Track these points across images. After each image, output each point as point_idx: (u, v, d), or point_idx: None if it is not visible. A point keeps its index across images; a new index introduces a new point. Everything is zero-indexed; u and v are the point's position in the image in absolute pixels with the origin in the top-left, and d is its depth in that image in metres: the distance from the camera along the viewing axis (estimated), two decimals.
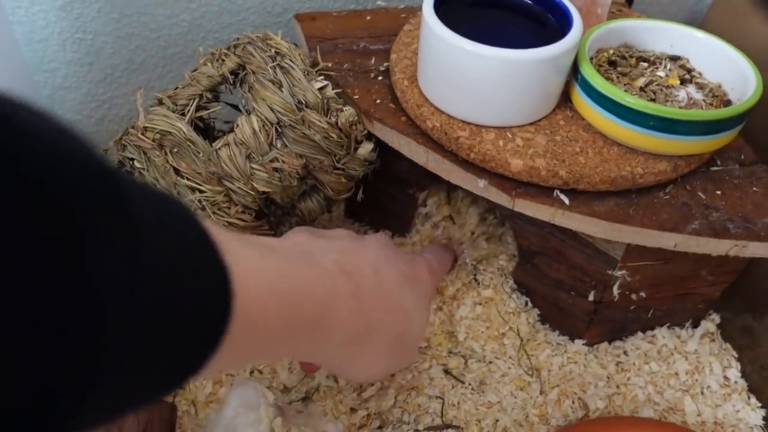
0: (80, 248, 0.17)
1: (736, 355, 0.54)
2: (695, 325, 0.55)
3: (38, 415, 0.16)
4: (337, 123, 0.47)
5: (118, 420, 0.21)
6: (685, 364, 0.53)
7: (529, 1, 0.47)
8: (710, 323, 0.55)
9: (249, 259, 0.28)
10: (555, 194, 0.43)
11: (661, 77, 0.46)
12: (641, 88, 0.45)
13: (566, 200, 0.43)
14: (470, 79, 0.42)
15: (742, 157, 0.48)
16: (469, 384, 0.51)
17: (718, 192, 0.45)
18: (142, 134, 0.46)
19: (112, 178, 0.19)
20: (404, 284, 0.40)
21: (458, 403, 0.50)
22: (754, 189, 0.45)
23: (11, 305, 0.15)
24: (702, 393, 0.52)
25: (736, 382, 0.52)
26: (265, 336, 0.28)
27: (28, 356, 0.15)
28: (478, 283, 0.56)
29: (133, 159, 0.47)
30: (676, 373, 0.52)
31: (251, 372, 0.51)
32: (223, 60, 0.49)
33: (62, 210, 0.16)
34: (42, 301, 0.16)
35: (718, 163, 0.47)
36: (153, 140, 0.46)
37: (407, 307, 0.40)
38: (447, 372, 0.51)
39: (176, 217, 0.23)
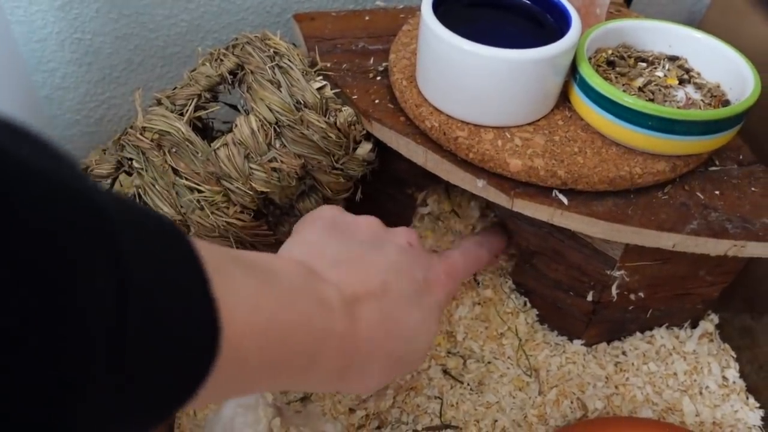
0: (69, 284, 0.17)
1: (735, 356, 0.54)
2: (694, 326, 0.55)
3: None
4: (335, 123, 0.47)
5: None
6: (684, 365, 0.53)
7: (528, 1, 0.47)
8: (709, 323, 0.55)
9: (241, 292, 0.27)
10: (553, 194, 0.43)
11: (659, 77, 0.46)
12: (640, 88, 0.45)
13: (565, 200, 0.43)
14: (469, 79, 0.42)
15: (741, 157, 0.48)
16: (468, 384, 0.51)
17: (717, 192, 0.45)
18: (141, 134, 0.46)
19: (95, 205, 0.18)
20: (413, 300, 0.38)
21: (457, 403, 0.50)
22: (753, 189, 0.45)
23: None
24: (700, 393, 0.52)
25: (734, 383, 0.52)
26: (249, 374, 0.27)
27: (10, 392, 0.15)
28: (478, 283, 0.56)
29: (131, 159, 0.47)
30: (675, 374, 0.52)
31: None
32: (221, 60, 0.49)
33: (50, 244, 0.16)
34: (29, 337, 0.15)
35: (717, 163, 0.47)
36: (151, 140, 0.46)
37: (412, 328, 0.38)
38: (446, 372, 0.51)
39: (167, 244, 0.22)
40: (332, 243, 0.37)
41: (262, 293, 0.28)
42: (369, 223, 0.40)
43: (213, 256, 0.25)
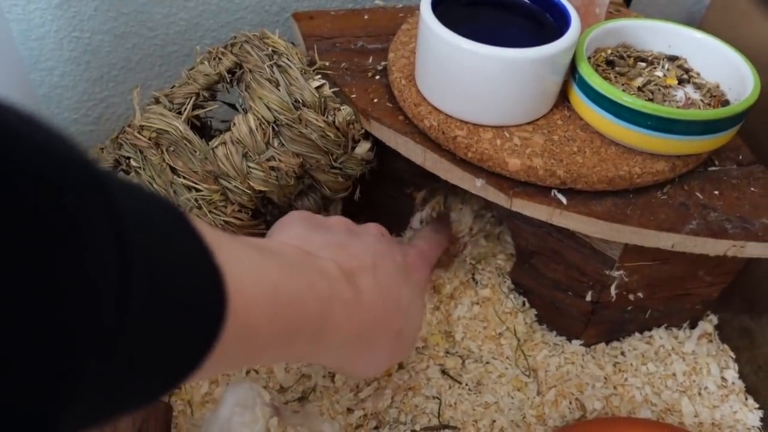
0: (74, 250, 0.17)
1: (734, 356, 0.54)
2: (693, 326, 0.55)
3: (26, 412, 0.16)
4: (334, 122, 0.47)
5: (110, 421, 0.21)
6: (683, 365, 0.53)
7: (527, 1, 0.47)
8: (708, 324, 0.55)
9: (245, 262, 0.27)
10: (552, 194, 0.43)
11: (658, 77, 0.46)
12: (639, 88, 0.45)
13: (564, 200, 0.43)
14: (468, 78, 0.42)
15: (740, 157, 0.48)
16: (466, 384, 0.51)
17: (716, 192, 0.45)
18: (139, 133, 0.46)
19: (100, 180, 0.18)
20: (400, 279, 0.40)
21: (455, 403, 0.50)
22: (752, 189, 0.45)
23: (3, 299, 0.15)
24: (699, 394, 0.52)
25: (733, 383, 0.52)
26: (260, 341, 0.27)
27: (21, 350, 0.15)
28: (476, 283, 0.56)
29: (129, 157, 0.47)
30: (674, 374, 0.52)
31: (247, 372, 0.51)
32: (220, 59, 0.49)
33: (54, 212, 0.16)
34: (37, 298, 0.15)
35: (716, 163, 0.47)
36: (149, 139, 0.46)
37: (404, 303, 0.39)
38: (444, 372, 0.51)
39: (168, 219, 0.23)
40: (315, 234, 0.38)
41: (265, 264, 0.29)
42: (340, 220, 0.41)
43: (211, 232, 0.25)
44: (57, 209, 0.16)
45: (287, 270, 0.30)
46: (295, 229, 0.38)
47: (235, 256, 0.26)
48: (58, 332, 0.16)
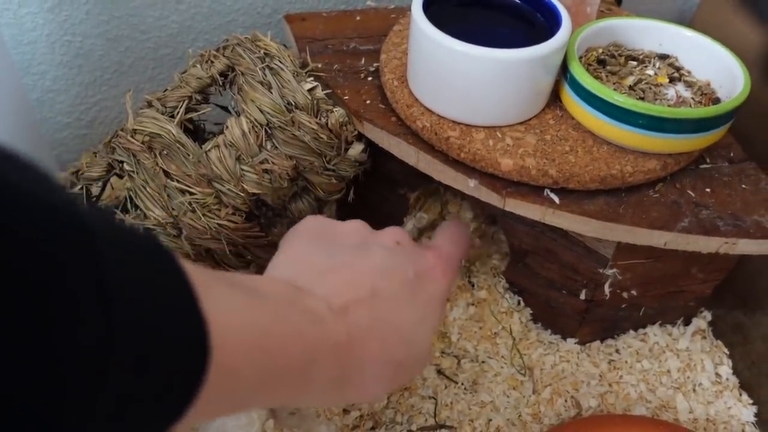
0: (50, 304, 0.16)
1: (728, 352, 0.54)
2: (687, 323, 0.56)
3: None
4: (327, 124, 0.47)
5: None
6: (677, 362, 0.53)
7: (518, 1, 0.47)
8: (702, 321, 0.56)
9: (231, 310, 0.26)
10: (545, 193, 0.43)
11: (650, 76, 0.47)
12: (630, 87, 0.45)
13: (556, 199, 0.43)
14: (460, 78, 0.42)
15: (731, 154, 0.48)
16: (462, 384, 0.51)
17: (708, 190, 0.45)
18: (132, 137, 0.46)
19: (85, 230, 0.18)
20: (406, 300, 0.37)
21: (451, 403, 0.50)
22: (743, 186, 0.45)
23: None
24: (694, 390, 0.52)
25: (727, 379, 0.53)
26: (242, 390, 0.27)
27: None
28: (473, 285, 0.56)
29: (122, 161, 0.47)
30: (668, 371, 0.52)
31: None
32: (212, 62, 0.49)
33: (35, 260, 0.16)
34: (15, 357, 0.15)
35: (708, 161, 0.47)
36: (142, 143, 0.46)
37: (408, 329, 0.37)
38: (440, 372, 0.51)
39: (153, 261, 0.22)
40: (318, 253, 0.36)
41: (252, 308, 0.28)
42: (355, 227, 0.40)
43: (200, 274, 0.24)
44: (37, 265, 0.16)
45: (275, 317, 0.29)
46: (298, 247, 0.37)
47: (222, 301, 0.25)
48: (39, 382, 0.16)
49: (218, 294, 0.25)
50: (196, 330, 0.23)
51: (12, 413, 0.15)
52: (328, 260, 0.36)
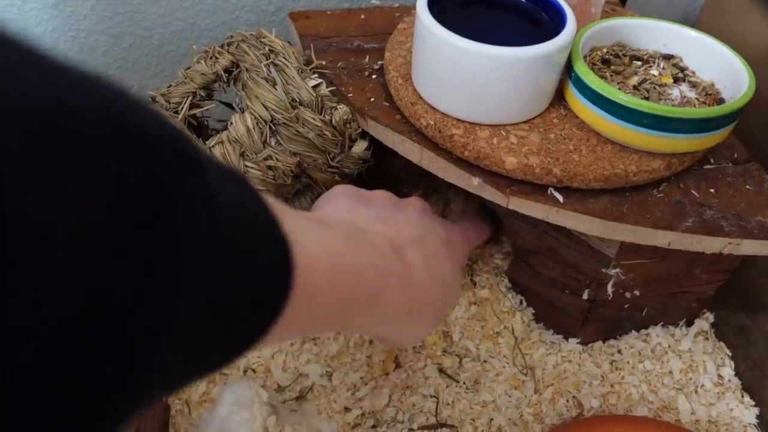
0: (171, 208, 0.18)
1: (730, 354, 0.54)
2: (689, 324, 0.56)
3: (115, 370, 0.16)
4: (331, 121, 0.47)
5: (184, 386, 0.22)
6: (679, 363, 0.53)
7: (523, 0, 0.47)
8: (704, 322, 0.56)
9: (310, 234, 0.28)
10: (549, 192, 0.43)
11: (654, 76, 0.47)
12: (635, 87, 0.45)
13: (560, 198, 0.43)
14: (464, 77, 0.42)
15: (735, 155, 0.48)
16: (464, 383, 0.51)
17: (712, 190, 0.45)
18: None
19: (192, 149, 0.20)
20: (444, 254, 0.40)
21: (453, 402, 0.50)
22: (747, 187, 0.45)
23: (102, 252, 0.16)
24: (696, 391, 0.52)
25: (729, 381, 0.53)
26: (322, 310, 0.28)
27: (113, 302, 0.16)
28: (475, 284, 0.56)
29: None
30: (670, 372, 0.52)
31: (245, 371, 0.51)
32: (216, 58, 0.49)
33: (155, 174, 0.18)
34: (132, 256, 0.16)
35: (712, 161, 0.47)
36: None
37: (448, 277, 0.40)
38: (441, 371, 0.51)
39: (241, 188, 0.24)
40: (362, 208, 0.39)
41: (327, 236, 0.30)
42: (384, 194, 0.42)
43: (278, 205, 0.26)
44: (161, 170, 0.18)
45: (346, 243, 0.31)
46: (342, 203, 0.39)
47: (301, 228, 0.27)
48: (149, 289, 0.17)
49: (296, 221, 0.27)
50: (281, 249, 0.24)
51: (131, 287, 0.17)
52: (372, 213, 0.39)
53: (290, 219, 0.26)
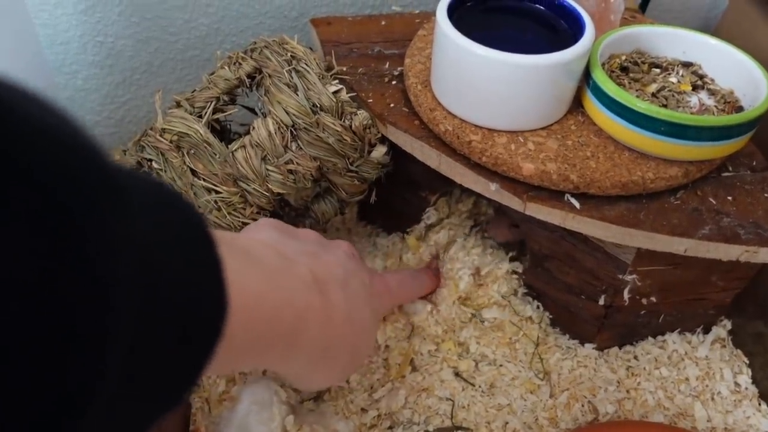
0: (82, 243, 0.16)
1: (747, 362, 0.54)
2: (706, 331, 0.55)
3: (45, 417, 0.15)
4: (351, 126, 0.48)
5: None
6: (696, 370, 0.53)
7: (542, 7, 0.48)
8: (721, 329, 0.55)
9: (230, 267, 0.26)
10: (566, 198, 0.44)
11: (673, 83, 0.47)
12: (653, 94, 0.46)
13: (577, 204, 0.43)
14: (483, 83, 0.43)
15: (754, 163, 0.48)
16: (480, 386, 0.51)
17: (729, 198, 0.45)
18: (160, 136, 0.47)
19: (117, 183, 0.18)
20: (365, 300, 0.40)
21: (468, 405, 0.50)
22: (766, 195, 0.45)
23: (14, 299, 0.14)
24: (712, 399, 0.52)
25: (746, 389, 0.52)
26: (234, 351, 0.27)
27: (32, 353, 0.15)
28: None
29: (151, 160, 0.48)
30: (687, 379, 0.52)
31: (264, 371, 0.51)
32: (240, 64, 0.50)
33: (64, 207, 0.16)
34: (46, 296, 0.15)
35: (730, 168, 0.47)
36: (170, 142, 0.47)
37: (366, 323, 0.39)
38: (457, 374, 0.52)
39: (176, 223, 0.23)
40: (288, 240, 0.37)
41: (249, 272, 0.29)
42: (312, 232, 0.41)
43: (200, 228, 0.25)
44: (70, 202, 0.16)
45: (268, 281, 0.30)
46: (268, 233, 0.38)
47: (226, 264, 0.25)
48: (72, 334, 0.16)
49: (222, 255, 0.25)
50: (216, 292, 0.24)
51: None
52: (299, 246, 0.37)
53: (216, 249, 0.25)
